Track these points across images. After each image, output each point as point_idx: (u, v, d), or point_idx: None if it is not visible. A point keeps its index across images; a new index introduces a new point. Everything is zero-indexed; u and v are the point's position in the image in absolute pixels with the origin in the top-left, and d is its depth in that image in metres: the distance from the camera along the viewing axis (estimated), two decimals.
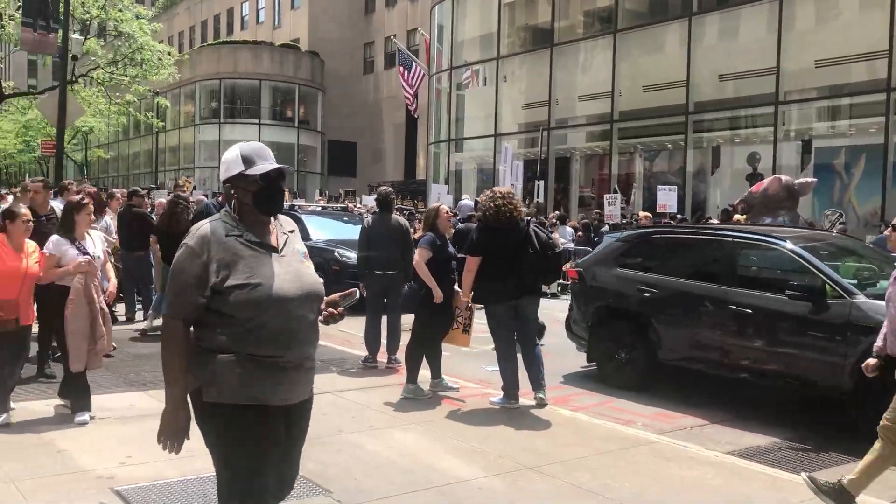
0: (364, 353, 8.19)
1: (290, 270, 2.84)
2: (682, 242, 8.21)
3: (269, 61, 44.46)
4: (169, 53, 27.83)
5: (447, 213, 7.35)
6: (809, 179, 13.72)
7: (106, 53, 27.90)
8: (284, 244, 2.90)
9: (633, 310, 7.70)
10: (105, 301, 5.99)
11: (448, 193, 25.35)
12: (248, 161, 2.85)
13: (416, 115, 34.86)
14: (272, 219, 2.93)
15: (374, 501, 4.40)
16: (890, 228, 4.81)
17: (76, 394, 5.78)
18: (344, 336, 9.89)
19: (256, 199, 2.84)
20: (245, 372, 2.73)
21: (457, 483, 4.78)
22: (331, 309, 3.01)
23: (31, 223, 5.79)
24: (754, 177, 19.18)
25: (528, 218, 6.94)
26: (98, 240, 6.18)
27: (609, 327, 7.95)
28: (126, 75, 26.97)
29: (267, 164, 2.86)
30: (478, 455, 5.32)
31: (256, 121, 44.73)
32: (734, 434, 6.28)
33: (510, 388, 6.66)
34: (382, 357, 8.14)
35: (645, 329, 7.49)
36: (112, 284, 6.30)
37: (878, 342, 4.63)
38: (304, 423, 2.99)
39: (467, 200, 23.46)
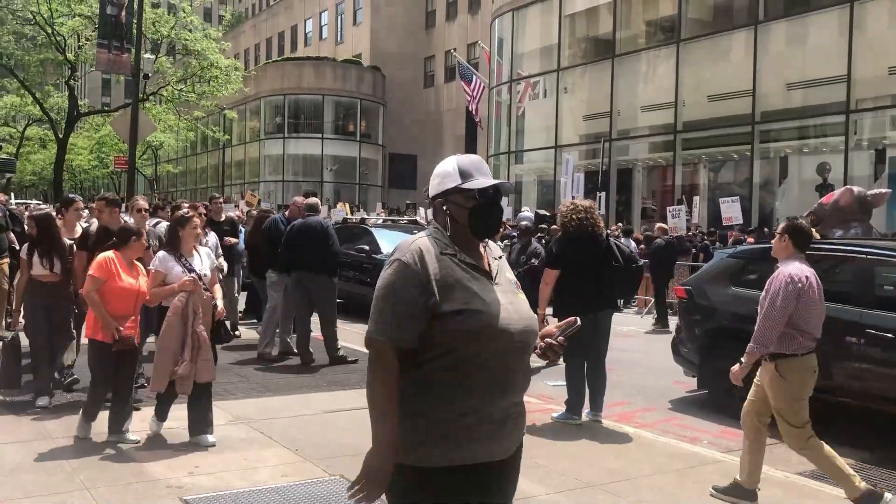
0: None
1: (509, 300, 2.47)
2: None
3: (331, 77, 45.28)
4: (236, 68, 28.64)
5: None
6: (883, 190, 13.23)
7: (175, 71, 28.86)
8: (497, 271, 2.55)
9: (752, 332, 7.19)
10: (212, 320, 5.73)
11: (508, 206, 25.33)
12: (465, 174, 2.50)
13: (481, 127, 35.00)
14: (483, 243, 2.58)
15: None
16: (777, 237, 4.91)
17: (123, 417, 5.68)
18: None
19: (472, 217, 2.48)
20: (456, 424, 2.33)
21: (520, 500, 4.72)
22: (549, 340, 2.58)
23: (145, 242, 5.90)
24: (824, 188, 18.63)
25: (608, 231, 6.90)
26: (206, 257, 5.90)
27: (724, 351, 7.09)
28: (194, 92, 27.86)
29: (485, 178, 2.52)
30: (540, 471, 5.29)
31: (319, 135, 45.60)
32: None
33: (574, 404, 6.59)
34: None
35: None
36: (220, 306, 5.97)
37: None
38: (515, 476, 2.57)
39: (527, 213, 23.43)
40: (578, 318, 2.68)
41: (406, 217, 24.28)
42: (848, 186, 13.48)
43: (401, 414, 2.34)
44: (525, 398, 7.30)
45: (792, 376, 4.70)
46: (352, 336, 10.60)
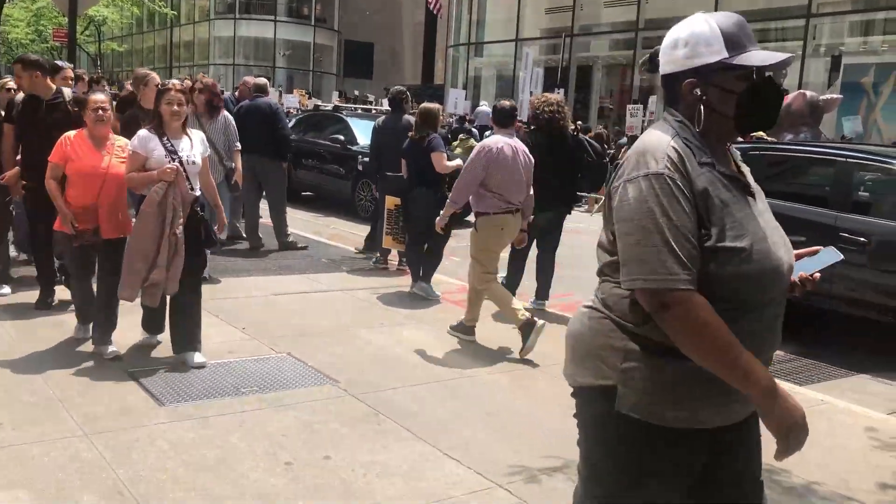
0: (375, 254, 8.25)
1: (773, 226, 1.89)
2: (783, 161, 7.36)
3: None
4: None
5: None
6: (835, 96, 13.37)
7: None
8: (752, 183, 1.94)
9: None
10: (210, 232, 4.88)
11: (466, 99, 24.96)
12: (733, 42, 1.80)
13: (440, 16, 33.99)
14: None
15: (378, 392, 4.52)
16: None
17: (99, 324, 4.87)
18: (355, 237, 9.96)
19: (746, 105, 1.80)
20: (699, 384, 1.79)
21: (461, 378, 4.89)
22: (803, 275, 2.01)
23: (102, 112, 4.72)
24: None
25: (573, 127, 6.96)
26: (199, 143, 4.85)
27: None
28: None
29: (757, 48, 1.82)
30: (483, 353, 5.43)
31: (272, 17, 43.83)
32: None
33: (509, 286, 6.81)
34: (392, 259, 8.20)
35: None
36: (224, 218, 5.30)
37: None
38: (752, 444, 2.00)
39: (485, 107, 23.15)
40: (835, 249, 2.10)
41: (358, 106, 23.66)
42: (801, 90, 13.59)
43: (630, 351, 1.82)
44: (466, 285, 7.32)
45: (482, 230, 5.56)
46: (301, 224, 10.55)
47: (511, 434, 4.07)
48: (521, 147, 5.63)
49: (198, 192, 4.75)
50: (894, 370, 5.81)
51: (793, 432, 1.73)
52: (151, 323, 5.07)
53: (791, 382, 5.26)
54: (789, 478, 3.73)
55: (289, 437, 3.84)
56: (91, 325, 4.99)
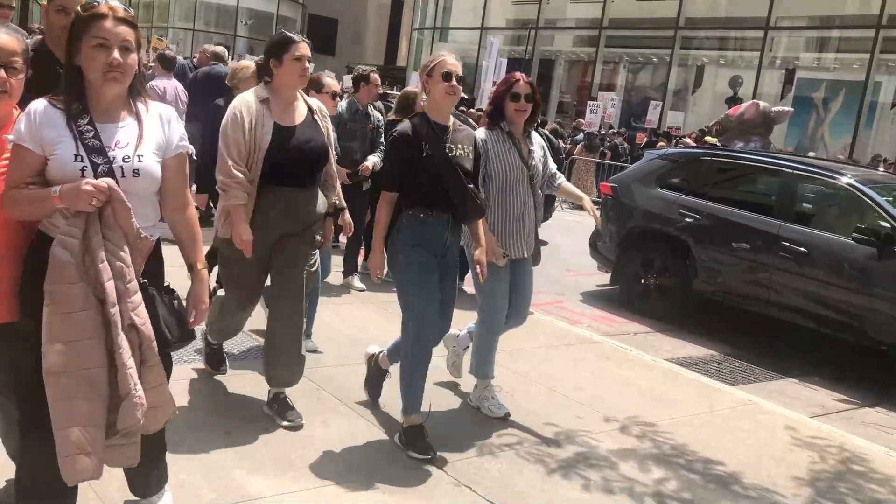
0: None
1: None
2: (734, 168, 7.58)
3: None
4: None
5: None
6: (786, 109, 13.74)
7: None
8: None
9: (672, 234, 7.16)
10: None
11: None
12: None
13: None
14: None
15: (321, 368, 4.54)
16: None
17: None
18: None
19: None
20: None
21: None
22: None
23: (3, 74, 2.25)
24: (734, 100, 19.17)
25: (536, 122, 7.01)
26: (155, 127, 2.37)
27: (641, 250, 7.46)
28: None
29: None
30: None
31: None
32: (675, 343, 6.54)
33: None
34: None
35: (682, 256, 7.01)
36: (200, 268, 2.62)
37: None
38: None
39: None
40: None
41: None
42: (755, 101, 13.93)
43: None
44: None
45: None
46: None
47: (448, 416, 4.14)
48: (176, 85, 8.16)
49: (152, 235, 2.39)
50: (820, 375, 6.05)
51: None
52: (140, 478, 2.67)
53: (722, 382, 5.46)
54: (716, 468, 3.89)
55: (230, 406, 3.85)
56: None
